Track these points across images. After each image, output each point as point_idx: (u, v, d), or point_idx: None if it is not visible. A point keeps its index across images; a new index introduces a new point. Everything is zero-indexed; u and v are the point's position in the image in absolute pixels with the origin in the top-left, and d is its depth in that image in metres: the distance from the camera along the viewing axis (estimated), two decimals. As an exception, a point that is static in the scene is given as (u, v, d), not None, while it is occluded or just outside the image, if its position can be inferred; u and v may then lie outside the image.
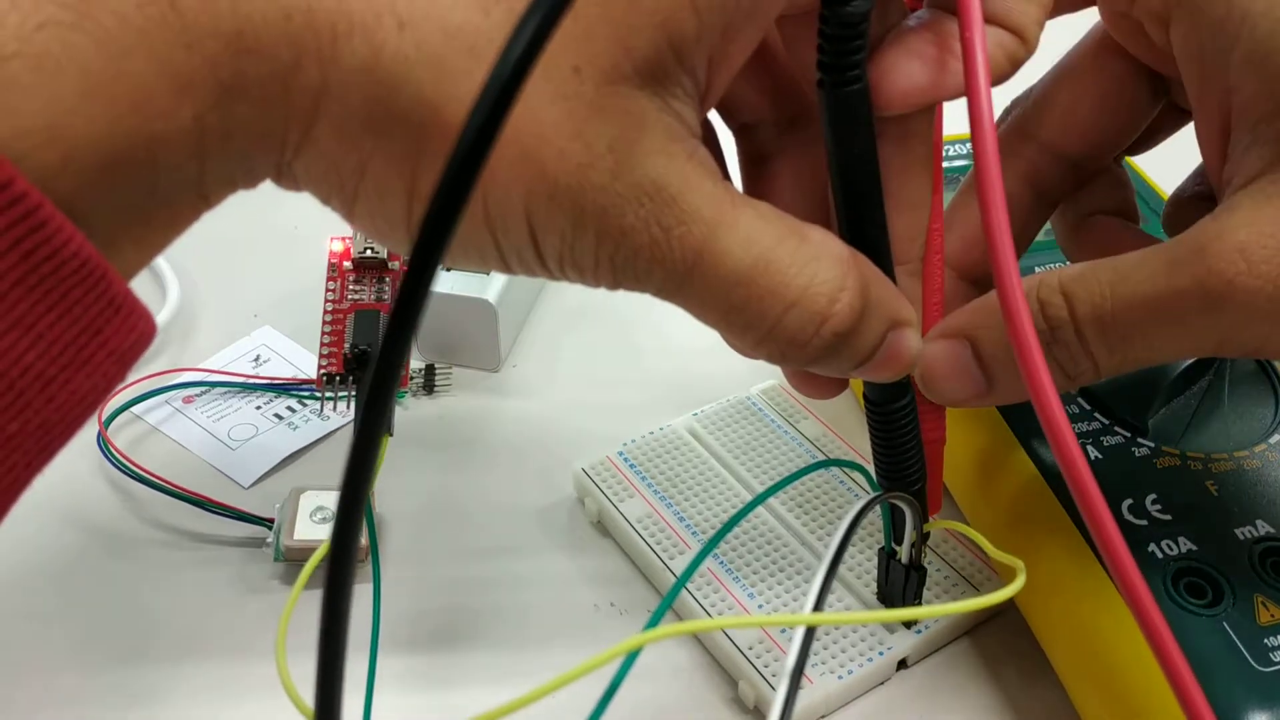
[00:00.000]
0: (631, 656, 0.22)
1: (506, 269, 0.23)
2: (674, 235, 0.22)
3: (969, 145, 0.40)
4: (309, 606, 0.33)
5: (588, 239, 0.22)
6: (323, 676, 0.19)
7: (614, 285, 0.23)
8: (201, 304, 0.44)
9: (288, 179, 0.22)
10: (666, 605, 0.25)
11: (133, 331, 0.21)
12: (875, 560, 0.32)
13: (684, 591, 0.32)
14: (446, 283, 0.40)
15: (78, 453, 0.37)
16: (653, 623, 0.24)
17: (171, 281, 0.44)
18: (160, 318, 0.42)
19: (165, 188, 0.21)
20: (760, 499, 0.28)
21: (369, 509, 0.33)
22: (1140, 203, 0.39)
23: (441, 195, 0.17)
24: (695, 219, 0.22)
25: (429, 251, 0.17)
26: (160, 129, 0.19)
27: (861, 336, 0.24)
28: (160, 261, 0.45)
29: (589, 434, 0.38)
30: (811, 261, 0.23)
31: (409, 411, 0.40)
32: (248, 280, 0.45)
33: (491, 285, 0.40)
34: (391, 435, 0.32)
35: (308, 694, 0.25)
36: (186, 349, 0.42)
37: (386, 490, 0.36)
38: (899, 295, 0.25)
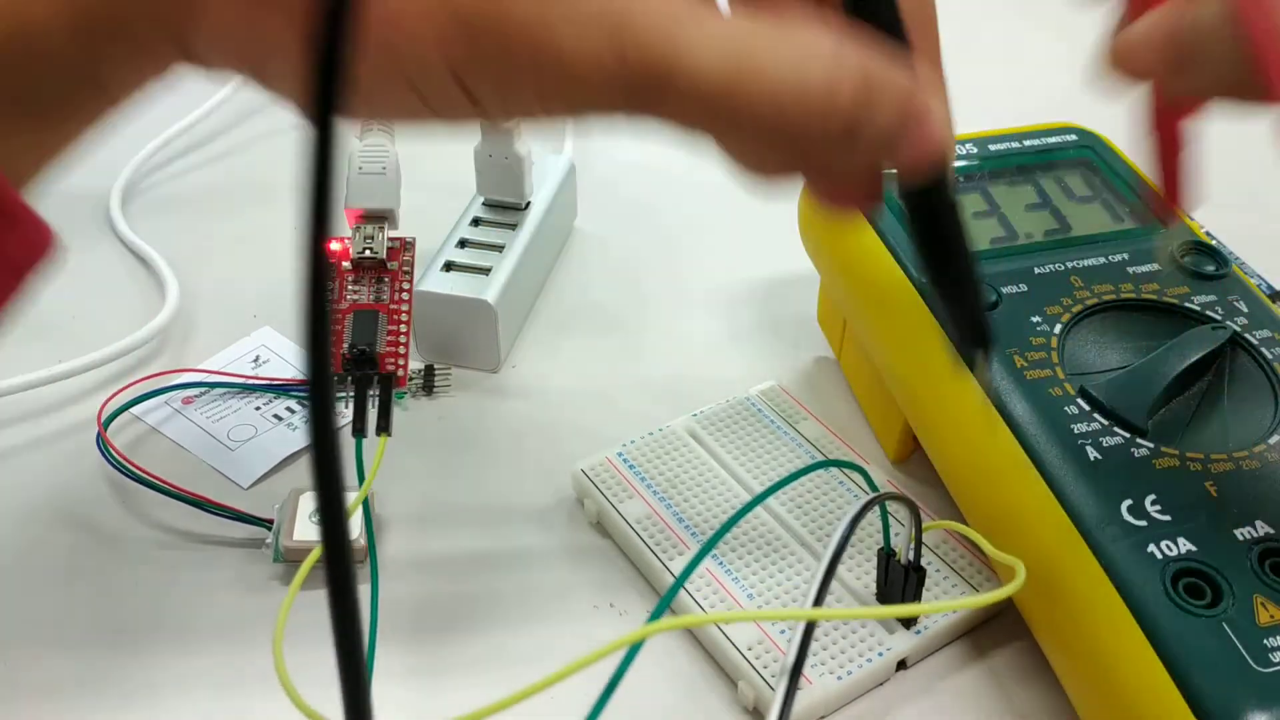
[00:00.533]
0: (633, 651, 0.22)
1: (452, 123, 0.21)
2: (629, 53, 0.19)
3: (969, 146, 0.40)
4: (303, 605, 0.33)
5: (525, 78, 0.19)
6: (346, 676, 0.18)
7: (574, 116, 0.21)
8: (201, 304, 0.44)
9: (195, 59, 0.21)
10: (665, 604, 0.25)
11: (25, 242, 0.19)
12: (875, 561, 0.32)
13: (683, 593, 0.32)
14: (446, 283, 0.40)
15: (77, 454, 0.37)
16: (655, 616, 0.24)
17: (171, 281, 0.44)
18: (160, 318, 0.42)
19: (53, 80, 0.19)
20: (759, 499, 0.28)
21: (367, 510, 0.33)
22: (1119, 182, 0.39)
23: (320, 46, 0.15)
24: (650, 30, 0.19)
25: (324, 106, 0.15)
26: (34, 13, 0.19)
27: (874, 125, 0.21)
28: (160, 261, 0.45)
29: (588, 434, 0.38)
30: (801, 59, 0.20)
31: (409, 412, 0.40)
32: (248, 280, 0.45)
33: (491, 286, 0.40)
34: (390, 435, 0.32)
35: (305, 692, 0.25)
36: (187, 349, 0.42)
37: (386, 491, 0.36)
38: (908, 75, 0.22)
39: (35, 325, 0.44)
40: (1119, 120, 0.43)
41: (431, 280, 0.41)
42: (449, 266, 0.41)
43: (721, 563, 0.33)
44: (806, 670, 0.30)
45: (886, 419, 0.38)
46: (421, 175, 0.46)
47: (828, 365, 0.42)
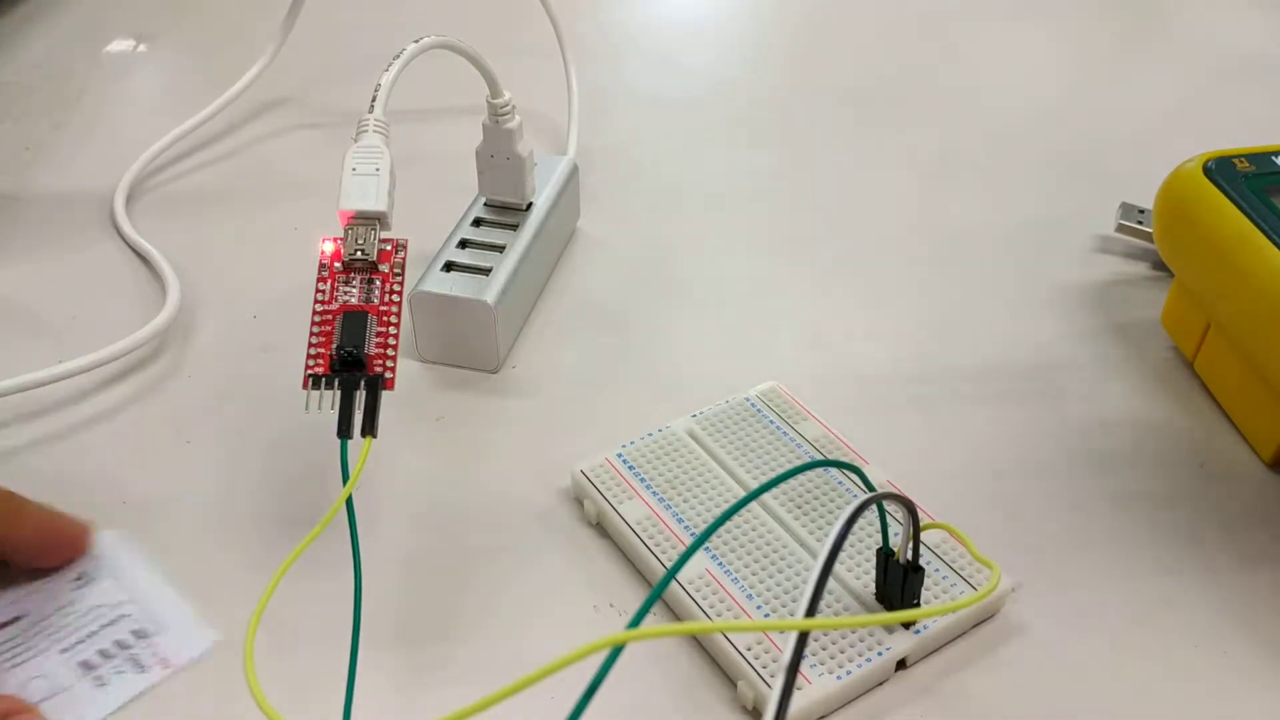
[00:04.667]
0: (614, 654, 0.22)
1: None
2: None
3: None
4: (292, 602, 0.33)
5: None
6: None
7: None
8: (202, 304, 0.44)
9: None
10: (655, 597, 0.24)
11: None
12: (875, 561, 0.32)
13: (683, 594, 0.32)
14: (446, 284, 0.40)
15: (78, 454, 0.37)
16: (637, 619, 0.24)
17: (172, 281, 0.44)
18: (160, 318, 0.42)
19: None
20: (755, 494, 0.28)
21: (351, 512, 0.32)
22: None
23: None
24: None
25: None
26: None
27: None
28: (160, 261, 0.45)
29: (588, 435, 0.38)
30: None
31: (408, 412, 0.40)
32: (248, 280, 0.45)
33: (491, 287, 0.40)
34: (375, 436, 0.31)
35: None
36: (187, 349, 0.42)
37: (385, 491, 0.36)
38: None
39: (35, 325, 0.44)
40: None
41: (431, 280, 0.41)
42: (449, 267, 0.41)
43: (721, 564, 0.33)
44: (806, 670, 0.30)
45: (1264, 422, 0.38)
46: (424, 175, 0.47)
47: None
